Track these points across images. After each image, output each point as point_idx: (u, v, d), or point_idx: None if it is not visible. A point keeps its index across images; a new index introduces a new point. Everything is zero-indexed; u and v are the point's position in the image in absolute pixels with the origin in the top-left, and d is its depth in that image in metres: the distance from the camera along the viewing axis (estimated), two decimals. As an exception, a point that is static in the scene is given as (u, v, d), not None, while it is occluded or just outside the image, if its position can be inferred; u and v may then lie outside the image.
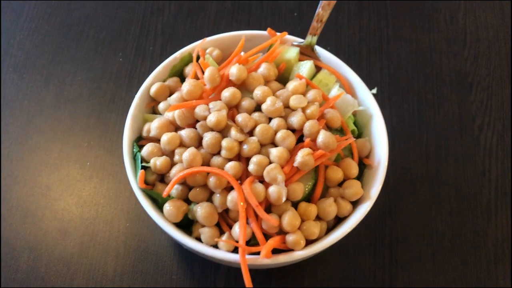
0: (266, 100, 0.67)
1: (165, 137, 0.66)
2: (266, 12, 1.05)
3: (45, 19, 1.03)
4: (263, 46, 0.74)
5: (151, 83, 0.74)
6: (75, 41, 1.01)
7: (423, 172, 0.88)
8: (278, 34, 0.76)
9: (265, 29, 0.78)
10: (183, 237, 0.63)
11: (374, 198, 0.66)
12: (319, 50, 0.77)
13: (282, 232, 0.63)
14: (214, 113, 0.65)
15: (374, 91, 0.75)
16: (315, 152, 0.64)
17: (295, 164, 0.63)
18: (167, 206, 0.64)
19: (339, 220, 0.68)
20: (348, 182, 0.67)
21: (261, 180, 0.63)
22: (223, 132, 0.66)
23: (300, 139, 0.67)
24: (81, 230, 0.82)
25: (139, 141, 0.72)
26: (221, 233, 0.65)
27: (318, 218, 0.66)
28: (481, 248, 0.82)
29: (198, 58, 0.74)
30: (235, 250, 0.63)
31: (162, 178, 0.68)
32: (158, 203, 0.66)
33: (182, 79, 0.77)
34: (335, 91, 0.73)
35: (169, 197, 0.65)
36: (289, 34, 0.77)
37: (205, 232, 0.64)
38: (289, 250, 0.63)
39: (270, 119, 0.67)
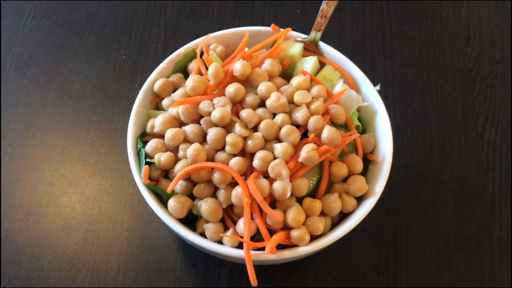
0: (270, 95, 0.67)
1: (169, 133, 0.66)
2: (269, 9, 1.05)
3: (48, 16, 1.03)
4: (267, 42, 0.74)
5: (155, 79, 0.74)
6: (78, 38, 1.01)
7: (426, 168, 0.88)
8: (281, 30, 0.76)
9: (268, 26, 0.78)
10: (187, 233, 0.63)
11: (378, 194, 0.66)
12: (323, 46, 0.77)
13: (286, 227, 0.63)
14: (219, 109, 0.65)
15: (378, 87, 0.75)
16: (319, 147, 0.64)
17: (300, 159, 0.63)
18: (171, 202, 0.64)
19: (343, 215, 0.68)
20: (353, 178, 0.67)
21: (266, 175, 0.63)
22: (228, 127, 0.66)
23: (304, 135, 0.67)
24: (84, 227, 0.82)
25: (143, 137, 0.71)
26: (226, 229, 0.65)
27: (322, 213, 0.65)
28: (485, 244, 0.82)
29: (202, 54, 0.74)
30: (239, 246, 0.63)
31: (166, 174, 0.68)
32: (162, 199, 0.66)
33: (186, 75, 0.76)
34: (339, 87, 0.73)
35: (173, 192, 0.65)
36: (292, 30, 0.77)
37: (210, 228, 0.64)
38: (293, 245, 0.63)
39: (274, 114, 0.67)
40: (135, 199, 0.84)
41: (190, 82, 0.68)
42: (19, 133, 0.90)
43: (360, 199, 0.68)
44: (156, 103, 0.75)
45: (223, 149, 0.65)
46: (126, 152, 0.68)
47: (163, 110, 0.73)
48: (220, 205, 0.64)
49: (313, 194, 0.66)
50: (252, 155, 0.64)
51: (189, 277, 0.79)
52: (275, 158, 0.63)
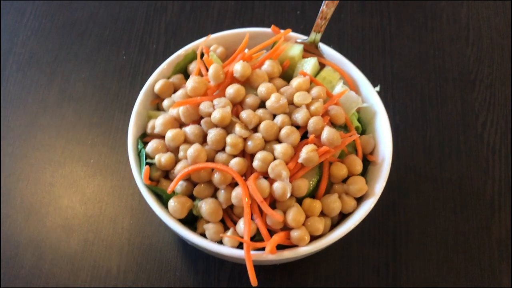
0: (270, 96, 0.67)
1: (169, 134, 0.66)
2: (269, 10, 1.05)
3: (49, 17, 1.04)
4: (267, 43, 0.74)
5: (155, 80, 0.74)
6: (79, 39, 1.01)
7: (426, 169, 0.88)
8: (282, 31, 0.76)
9: (268, 27, 0.78)
10: (187, 233, 0.63)
11: (378, 194, 0.66)
12: (323, 47, 0.77)
13: (286, 228, 0.63)
14: (219, 110, 0.65)
15: (378, 89, 0.75)
16: (319, 148, 0.64)
17: (300, 160, 0.63)
18: (171, 202, 0.64)
19: (343, 216, 0.69)
20: (352, 179, 0.67)
21: (266, 176, 0.63)
22: (228, 128, 0.66)
23: (304, 136, 0.67)
24: (85, 227, 0.82)
25: (144, 138, 0.72)
26: (226, 229, 0.65)
27: (322, 214, 0.66)
28: (484, 244, 0.82)
29: (202, 55, 0.74)
30: (239, 246, 0.63)
31: (167, 174, 0.68)
32: (163, 200, 0.67)
33: (186, 76, 0.77)
34: (339, 88, 0.73)
35: (173, 193, 0.65)
36: (292, 32, 0.77)
37: (210, 228, 0.64)
38: (293, 246, 0.63)
39: (274, 115, 0.67)
40: (136, 199, 0.84)
41: (190, 83, 0.68)
42: (20, 133, 0.91)
43: (359, 200, 0.68)
44: (156, 104, 0.76)
45: (223, 150, 0.65)
46: (127, 152, 0.69)
47: (164, 111, 0.73)
48: (220, 206, 0.64)
49: (313, 194, 0.67)
50: (252, 156, 0.65)
51: (189, 277, 0.79)
52: (275, 158, 0.64)
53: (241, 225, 0.62)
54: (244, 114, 0.66)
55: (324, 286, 0.79)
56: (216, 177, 0.63)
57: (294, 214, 0.62)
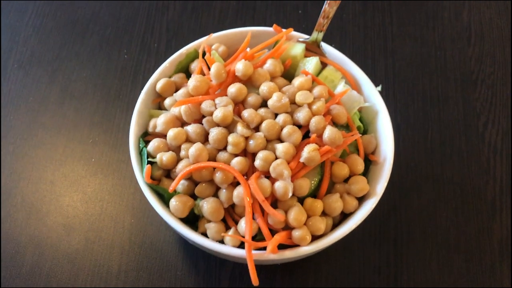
0: (272, 96, 0.67)
1: (171, 133, 0.66)
2: (271, 10, 1.05)
3: (50, 16, 1.04)
4: (269, 42, 0.74)
5: (157, 79, 0.74)
6: (80, 38, 1.01)
7: (427, 169, 0.88)
8: (284, 30, 0.76)
9: (270, 26, 0.78)
10: (189, 232, 0.63)
11: (380, 194, 0.66)
12: (324, 46, 0.77)
13: (288, 227, 0.63)
14: (220, 109, 0.65)
15: (379, 88, 0.75)
16: (321, 148, 0.64)
17: (301, 159, 0.63)
18: (173, 201, 0.64)
19: (344, 216, 0.68)
20: (354, 178, 0.67)
21: (267, 175, 0.63)
22: (229, 127, 0.66)
23: (306, 135, 0.67)
24: (86, 226, 0.82)
25: (145, 136, 0.72)
26: (227, 228, 0.65)
27: (324, 213, 0.66)
28: (485, 245, 0.82)
29: (204, 54, 0.74)
30: (241, 246, 0.63)
31: (168, 173, 0.68)
32: (164, 199, 0.66)
33: (188, 75, 0.77)
34: (341, 87, 0.73)
35: (175, 192, 0.65)
36: (294, 31, 0.77)
37: (211, 228, 0.64)
38: (295, 245, 0.63)
39: (276, 115, 0.67)
40: (137, 198, 0.84)
41: (192, 82, 0.68)
42: (21, 132, 0.91)
43: (361, 200, 0.68)
44: (158, 103, 0.75)
45: (225, 149, 0.65)
46: (128, 151, 0.69)
47: (165, 110, 0.73)
48: (222, 205, 0.64)
49: (314, 194, 0.66)
50: (253, 155, 0.65)
51: (190, 276, 0.79)
52: (276, 158, 0.63)
53: (243, 224, 0.62)
54: (246, 113, 0.66)
55: (325, 286, 0.79)
56: (218, 176, 0.63)
57: (295, 214, 0.62)
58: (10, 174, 0.87)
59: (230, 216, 0.65)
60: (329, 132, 0.64)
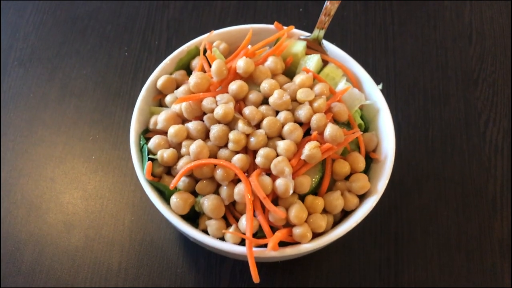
0: (273, 93, 0.67)
1: (172, 130, 0.66)
2: (272, 8, 1.05)
3: (51, 13, 1.03)
4: (270, 39, 0.74)
5: (158, 76, 0.74)
6: (80, 35, 1.01)
7: (428, 168, 0.88)
8: (285, 28, 0.76)
9: (270, 24, 0.78)
10: (190, 230, 0.63)
11: (381, 192, 0.66)
12: (326, 44, 0.77)
13: (288, 225, 0.63)
14: (222, 106, 0.65)
15: (380, 87, 0.75)
16: (322, 145, 0.64)
17: (302, 157, 0.63)
18: (174, 198, 0.64)
19: (345, 213, 0.68)
20: (355, 176, 0.67)
21: (268, 172, 0.63)
22: (230, 124, 0.66)
23: (307, 133, 0.67)
24: (86, 223, 0.82)
25: (146, 133, 0.71)
26: (228, 225, 0.65)
27: (324, 211, 0.65)
28: (486, 243, 0.82)
29: (205, 51, 0.74)
30: (241, 243, 0.63)
31: (169, 170, 0.68)
32: (165, 196, 0.66)
33: (189, 72, 0.76)
34: (342, 85, 0.73)
35: (176, 189, 0.64)
36: (295, 29, 0.77)
37: (212, 225, 0.64)
38: (295, 243, 0.63)
39: (277, 112, 0.67)
40: (137, 196, 0.84)
41: (193, 79, 0.68)
42: (21, 129, 0.90)
43: (362, 197, 0.68)
44: (159, 100, 0.75)
45: (226, 146, 0.65)
46: (128, 148, 0.68)
47: (166, 106, 0.73)
48: (223, 202, 0.64)
49: (315, 191, 0.66)
50: (254, 152, 0.64)
51: (191, 274, 0.79)
52: (277, 155, 0.63)
53: (243, 221, 0.61)
54: (247, 110, 0.65)
55: (325, 284, 0.78)
56: (219, 173, 0.63)
57: (296, 211, 0.61)
58: (10, 171, 0.86)
59: (231, 213, 0.65)
60: (330, 129, 0.64)
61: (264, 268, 0.78)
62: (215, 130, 0.64)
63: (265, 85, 0.68)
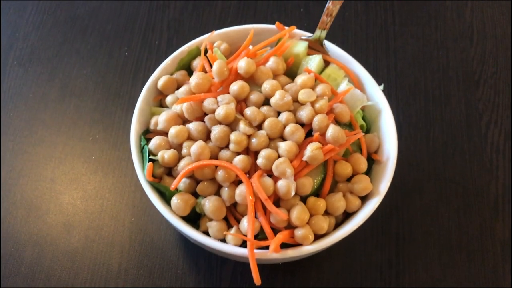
0: (274, 94, 0.66)
1: (173, 130, 0.65)
2: (272, 8, 1.05)
3: (51, 12, 1.03)
4: (271, 40, 0.74)
5: (159, 76, 0.73)
6: (81, 35, 1.01)
7: (429, 169, 0.88)
8: (286, 28, 0.76)
9: (271, 25, 0.78)
10: (191, 231, 0.63)
11: (383, 194, 0.66)
12: (327, 44, 0.76)
13: (290, 226, 0.63)
14: (223, 106, 0.64)
15: (381, 87, 0.74)
16: (324, 146, 0.63)
17: (304, 158, 0.62)
18: (174, 200, 0.63)
19: (347, 215, 0.68)
20: (357, 177, 0.67)
21: (270, 174, 0.63)
22: (232, 125, 0.66)
23: (308, 134, 0.66)
24: (86, 224, 0.82)
25: (146, 134, 0.71)
26: (229, 227, 0.64)
27: (326, 213, 0.65)
28: (487, 245, 0.82)
29: (206, 51, 0.74)
30: (243, 245, 0.62)
31: (170, 171, 0.67)
32: (166, 197, 0.66)
33: (190, 72, 0.76)
34: (344, 85, 0.73)
35: (176, 190, 0.64)
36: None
37: (213, 226, 0.63)
38: (297, 244, 0.63)
39: (278, 113, 0.67)
40: (137, 196, 0.84)
41: (194, 79, 0.67)
42: (21, 129, 0.90)
43: (364, 199, 0.68)
44: (159, 100, 0.75)
45: (227, 147, 0.65)
46: (128, 149, 0.68)
47: (167, 107, 0.73)
48: (224, 203, 0.63)
49: (317, 193, 0.66)
50: (256, 153, 0.64)
51: (191, 275, 0.78)
52: (279, 156, 0.63)
53: (245, 223, 0.61)
54: (249, 111, 0.65)
55: (326, 285, 0.78)
56: (220, 174, 0.62)
57: (298, 213, 0.61)
58: (9, 171, 0.86)
59: (232, 214, 0.65)
60: (332, 130, 0.64)
61: (265, 269, 0.78)
62: (216, 131, 0.64)
63: (267, 85, 0.67)
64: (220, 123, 0.65)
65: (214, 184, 0.64)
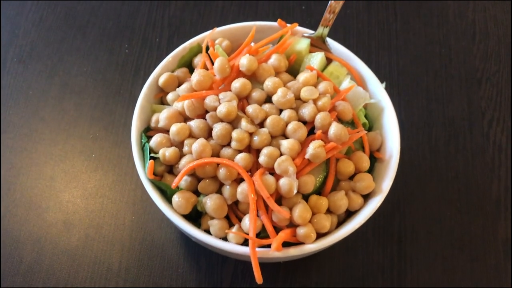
0: (277, 91, 0.66)
1: (174, 128, 0.65)
2: (274, 6, 1.04)
3: (51, 9, 1.02)
4: (273, 37, 0.73)
5: (160, 74, 0.73)
6: (81, 32, 1.00)
7: (432, 167, 0.87)
8: (288, 25, 0.75)
9: (274, 22, 0.77)
10: (192, 229, 0.62)
11: (385, 192, 0.65)
12: (330, 42, 0.76)
13: (292, 225, 0.62)
14: (225, 104, 0.64)
15: (383, 85, 0.74)
16: (326, 144, 0.63)
17: (307, 156, 0.62)
18: (176, 198, 0.63)
19: (349, 213, 0.67)
20: (359, 176, 0.66)
21: (272, 172, 0.62)
22: (233, 123, 0.65)
23: (311, 131, 0.66)
24: (86, 222, 0.81)
25: (147, 132, 0.71)
26: (230, 225, 0.64)
27: (329, 211, 0.65)
28: (490, 244, 0.81)
29: (207, 48, 0.73)
30: (244, 243, 0.62)
31: (171, 169, 0.67)
32: (167, 195, 0.65)
33: (191, 70, 0.75)
34: (346, 83, 0.72)
35: (178, 188, 0.64)
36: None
37: (214, 225, 0.63)
38: (299, 243, 0.62)
39: (280, 110, 0.66)
40: (138, 195, 0.83)
41: (195, 77, 0.67)
42: (20, 127, 0.89)
43: (366, 197, 0.67)
44: (160, 98, 0.74)
45: (228, 144, 0.64)
46: (129, 147, 0.68)
47: (168, 104, 0.72)
48: (225, 202, 0.63)
49: (319, 191, 0.66)
50: (258, 151, 0.64)
51: (192, 274, 0.78)
52: (281, 154, 0.62)
53: (246, 221, 0.61)
54: (250, 108, 0.65)
55: (328, 284, 0.78)
56: (221, 172, 0.62)
57: (300, 211, 0.61)
58: (9, 169, 0.85)
59: (234, 213, 0.64)
60: (335, 128, 0.63)
61: (266, 268, 0.77)
62: (218, 128, 0.63)
63: (269, 83, 0.67)
64: (221, 120, 0.65)
65: (215, 182, 0.64)
